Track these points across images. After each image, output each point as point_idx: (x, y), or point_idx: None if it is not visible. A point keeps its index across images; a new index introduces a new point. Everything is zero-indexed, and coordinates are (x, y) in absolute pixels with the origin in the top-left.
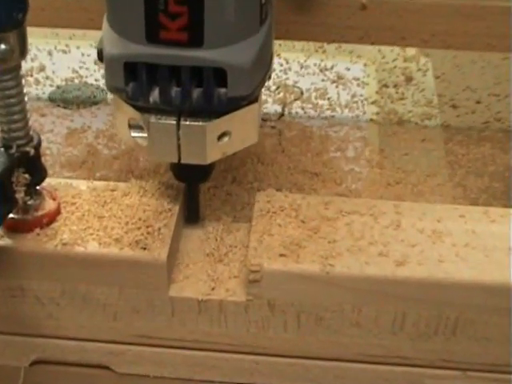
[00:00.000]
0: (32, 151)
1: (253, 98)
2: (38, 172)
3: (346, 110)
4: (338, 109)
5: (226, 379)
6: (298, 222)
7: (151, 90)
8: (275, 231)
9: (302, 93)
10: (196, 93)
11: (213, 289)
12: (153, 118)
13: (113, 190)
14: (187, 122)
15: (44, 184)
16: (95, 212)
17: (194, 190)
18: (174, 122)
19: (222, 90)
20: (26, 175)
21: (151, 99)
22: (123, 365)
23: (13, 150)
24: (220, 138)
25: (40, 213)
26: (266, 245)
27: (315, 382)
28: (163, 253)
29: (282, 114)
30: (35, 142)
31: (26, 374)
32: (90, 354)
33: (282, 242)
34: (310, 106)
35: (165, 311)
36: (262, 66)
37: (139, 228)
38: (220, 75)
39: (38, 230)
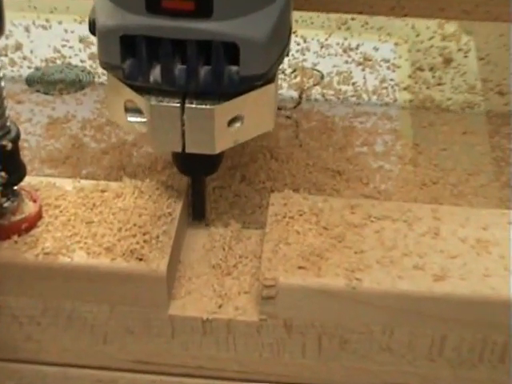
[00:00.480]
0: (9, 145)
1: (269, 78)
2: (16, 169)
3: (374, 97)
4: (364, 96)
5: None
6: (319, 229)
7: (152, 67)
8: (293, 239)
9: (322, 77)
10: (203, 71)
11: (220, 306)
12: (153, 100)
13: (103, 191)
14: (193, 105)
15: (23, 183)
16: (83, 216)
17: (199, 183)
18: (178, 105)
19: (234, 68)
20: (3, 173)
21: (152, 78)
22: None
23: None
24: (231, 123)
25: (18, 217)
26: (281, 255)
27: None
28: (162, 264)
29: (299, 102)
30: (13, 134)
31: None
32: (75, 382)
33: (300, 252)
34: (331, 92)
35: (164, 332)
36: (280, 40)
37: (134, 235)
38: (231, 51)
39: (15, 237)
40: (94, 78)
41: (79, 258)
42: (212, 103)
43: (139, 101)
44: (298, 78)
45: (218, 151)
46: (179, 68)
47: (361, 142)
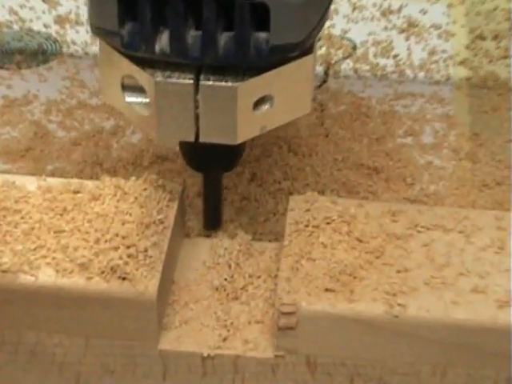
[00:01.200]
0: None
1: (306, 48)
2: None
3: (421, 74)
4: (408, 71)
5: None
6: (351, 241)
7: (158, 33)
8: (318, 254)
9: (354, 48)
10: (224, 39)
11: (225, 339)
12: (159, 76)
13: (76, 192)
14: (210, 82)
15: None
16: (50, 224)
17: (214, 182)
18: (191, 82)
19: (262, 36)
20: None
21: (158, 47)
22: None
23: None
24: (257, 105)
25: None
26: (304, 274)
27: None
28: (152, 286)
29: (325, 80)
30: None
31: None
32: None
33: (328, 271)
34: (366, 67)
35: (153, 373)
36: (320, 0)
37: (116, 248)
38: (259, 13)
39: None
40: (61, 47)
41: (46, 276)
42: (234, 80)
43: (141, 76)
44: (324, 50)
45: (240, 141)
46: (193, 34)
47: (404, 131)
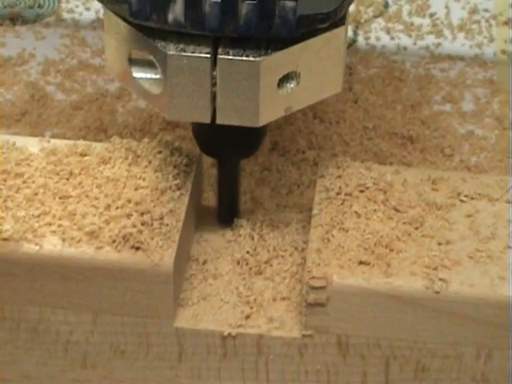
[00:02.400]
0: None
1: (337, 19)
2: None
3: (461, 36)
4: (446, 32)
5: None
6: (388, 211)
7: (171, 1)
8: (351, 224)
9: (386, 5)
10: (245, 7)
11: (247, 317)
12: (172, 49)
13: (83, 155)
14: (229, 56)
15: None
16: (55, 189)
17: (231, 170)
18: (208, 56)
19: (289, 4)
20: None
21: (170, 17)
22: None
23: None
24: (282, 82)
25: None
26: (335, 246)
27: None
28: (168, 256)
29: (354, 41)
30: None
31: None
32: None
33: (362, 242)
34: (399, 26)
35: (167, 353)
36: None
37: (128, 215)
38: None
39: None
40: (59, 2)
41: (51, 245)
42: (256, 54)
43: (151, 50)
44: (353, 7)
45: (262, 123)
46: (211, 2)
47: (442, 97)
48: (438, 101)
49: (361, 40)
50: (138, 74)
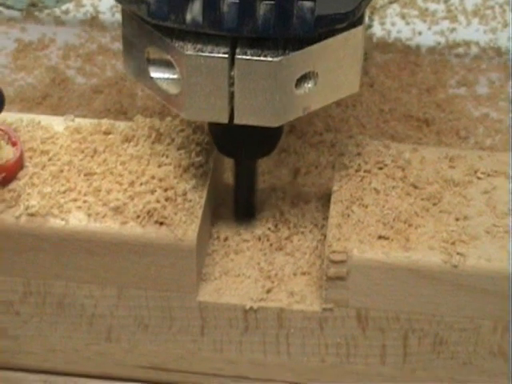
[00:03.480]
0: None
1: (355, 19)
2: None
3: (475, 21)
4: (461, 17)
5: None
6: (406, 187)
7: (189, 1)
8: (370, 200)
9: None
10: (263, 8)
11: (268, 291)
12: (190, 49)
13: (107, 133)
14: (247, 56)
15: None
16: (80, 166)
17: (249, 170)
18: (226, 56)
19: (307, 4)
20: None
21: (189, 17)
22: None
23: None
24: (300, 82)
25: None
26: (355, 221)
27: None
28: (191, 231)
29: (370, 26)
30: None
31: None
32: None
33: (381, 218)
34: (414, 12)
35: (190, 327)
36: None
37: (152, 191)
38: None
39: None
40: None
41: (76, 220)
42: (274, 54)
43: (169, 50)
44: None
45: (280, 123)
46: (229, 2)
47: (457, 81)
48: (452, 85)
49: (376, 25)
50: (156, 74)
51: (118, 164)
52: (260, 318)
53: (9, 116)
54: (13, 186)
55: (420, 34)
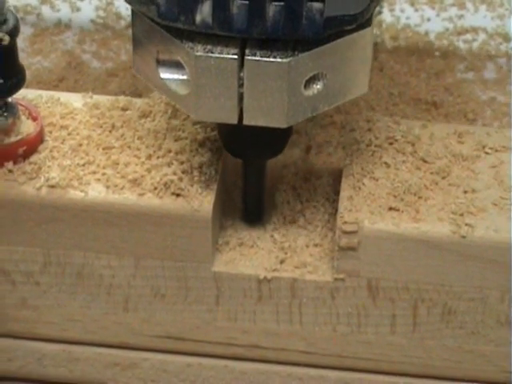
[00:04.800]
0: (6, 39)
1: (364, 21)
2: (13, 73)
3: (483, 7)
4: (469, 5)
5: None
6: (416, 162)
7: (199, 2)
8: (381, 174)
9: None
10: (272, 9)
11: (282, 262)
12: (200, 50)
13: (124, 109)
14: (256, 57)
15: (18, 97)
16: (99, 140)
17: (257, 171)
18: (235, 57)
19: (316, 6)
20: None
21: (198, 18)
22: None
23: None
24: (308, 84)
25: (13, 138)
26: (366, 194)
27: None
28: (207, 202)
29: (379, 12)
30: (11, 24)
31: None
32: (83, 367)
33: (392, 190)
34: None
35: (205, 297)
36: None
37: (169, 164)
38: None
39: (9, 165)
40: None
41: (95, 192)
42: (283, 55)
43: (179, 51)
44: None
45: (289, 124)
46: (238, 4)
47: (465, 66)
48: (461, 69)
49: (386, 12)
50: (166, 74)
51: (135, 138)
52: (273, 288)
53: (29, 93)
54: (33, 158)
55: (429, 20)
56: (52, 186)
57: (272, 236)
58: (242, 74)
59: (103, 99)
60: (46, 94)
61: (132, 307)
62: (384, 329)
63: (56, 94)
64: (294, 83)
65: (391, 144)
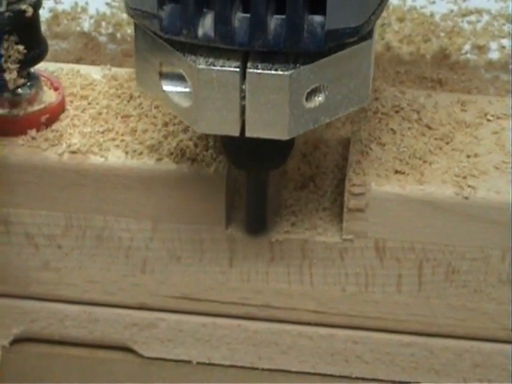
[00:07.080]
0: (30, 11)
1: (365, 33)
2: (36, 44)
3: None
4: None
5: (308, 368)
6: (420, 128)
7: (201, 16)
8: (388, 139)
9: None
10: (274, 22)
11: (293, 224)
12: (202, 63)
13: None
14: (258, 70)
15: (40, 68)
16: (117, 109)
17: (260, 182)
18: (237, 70)
19: (317, 19)
20: (20, 47)
21: (200, 31)
22: (153, 344)
23: (2, 8)
24: (310, 96)
25: (36, 107)
26: (373, 158)
27: (444, 374)
28: (222, 167)
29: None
30: None
31: (3, 358)
32: (103, 327)
33: (398, 155)
34: None
35: (219, 258)
36: None
37: (185, 131)
38: None
39: (33, 133)
40: None
41: (115, 158)
42: (285, 68)
43: (181, 63)
44: None
45: (291, 136)
46: (240, 17)
47: (469, 45)
48: (465, 50)
49: None
50: (168, 87)
51: (152, 107)
52: (285, 250)
53: (50, 65)
54: (55, 126)
55: (434, 2)
56: (73, 152)
57: (284, 200)
58: (243, 87)
59: (121, 71)
60: (66, 66)
61: (149, 269)
62: (391, 288)
63: (76, 67)
64: (295, 95)
65: (397, 112)
